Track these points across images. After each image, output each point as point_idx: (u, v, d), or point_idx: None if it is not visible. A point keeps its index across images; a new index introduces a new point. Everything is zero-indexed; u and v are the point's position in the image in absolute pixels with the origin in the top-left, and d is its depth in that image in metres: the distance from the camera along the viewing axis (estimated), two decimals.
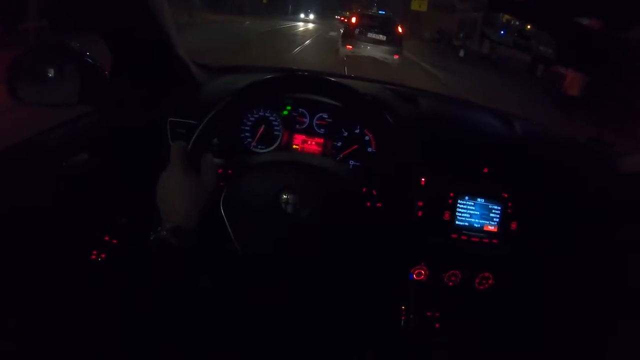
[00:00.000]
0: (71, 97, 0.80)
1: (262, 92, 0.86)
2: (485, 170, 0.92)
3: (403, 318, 0.97)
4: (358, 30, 9.52)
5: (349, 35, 9.71)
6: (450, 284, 0.94)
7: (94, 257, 0.92)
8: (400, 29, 9.71)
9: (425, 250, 0.93)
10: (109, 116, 0.90)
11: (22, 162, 0.77)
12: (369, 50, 9.49)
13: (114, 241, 0.93)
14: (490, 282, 0.96)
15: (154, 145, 0.87)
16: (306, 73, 0.95)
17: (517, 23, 1.13)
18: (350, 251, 0.76)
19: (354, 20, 9.89)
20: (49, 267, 0.80)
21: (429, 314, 0.98)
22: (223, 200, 0.71)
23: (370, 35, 9.44)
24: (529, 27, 1.14)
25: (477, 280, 0.95)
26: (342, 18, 11.69)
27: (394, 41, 9.47)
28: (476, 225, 0.93)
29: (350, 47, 9.60)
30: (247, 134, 0.98)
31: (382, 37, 9.42)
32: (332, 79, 0.84)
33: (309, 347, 0.97)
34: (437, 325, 0.99)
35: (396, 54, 9.49)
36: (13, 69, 0.78)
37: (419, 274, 0.93)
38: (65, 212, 0.83)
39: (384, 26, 9.57)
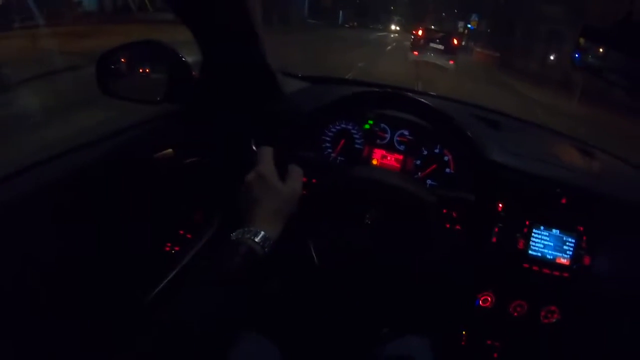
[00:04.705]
0: (160, 94, 0.78)
1: (346, 106, 0.86)
2: (564, 200, 0.86)
3: (463, 343, 0.94)
4: (422, 40, 12.39)
5: (416, 44, 12.73)
6: (515, 314, 0.91)
7: (167, 249, 0.93)
8: (455, 41, 12.45)
9: (495, 278, 0.90)
10: (196, 116, 0.90)
11: (109, 153, 0.76)
12: (431, 57, 12.04)
13: (189, 235, 0.94)
14: (555, 316, 0.91)
15: (238, 149, 0.87)
16: (390, 90, 0.92)
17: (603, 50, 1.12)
18: (424, 269, 0.75)
19: (420, 33, 12.77)
20: (124, 255, 0.80)
21: (489, 342, 0.95)
22: (304, 211, 0.70)
23: (432, 45, 12.15)
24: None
25: (542, 314, 0.91)
26: (414, 32, 12.91)
27: (450, 50, 12.11)
28: (549, 257, 0.88)
29: (417, 53, 12.40)
30: (327, 144, 0.95)
31: (441, 47, 12.07)
32: (417, 97, 0.80)
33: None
34: (495, 355, 0.95)
35: (451, 60, 12.02)
36: (104, 63, 0.77)
37: (485, 300, 0.90)
38: (147, 204, 0.84)
39: (443, 38, 12.29)
